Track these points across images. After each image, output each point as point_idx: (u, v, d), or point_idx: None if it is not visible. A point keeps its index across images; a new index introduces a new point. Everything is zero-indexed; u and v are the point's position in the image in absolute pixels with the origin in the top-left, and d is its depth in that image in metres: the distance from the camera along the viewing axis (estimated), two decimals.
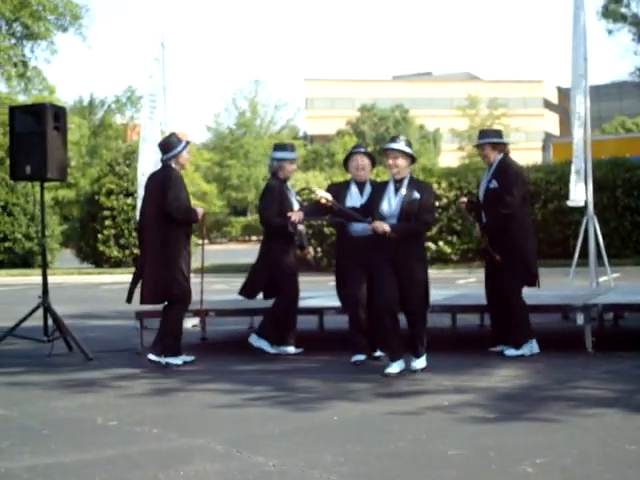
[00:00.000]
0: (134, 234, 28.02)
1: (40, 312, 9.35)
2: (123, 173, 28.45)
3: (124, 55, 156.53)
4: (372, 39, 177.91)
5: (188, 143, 8.66)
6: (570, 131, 11.52)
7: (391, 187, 7.60)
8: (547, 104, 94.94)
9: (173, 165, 8.48)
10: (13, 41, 29.74)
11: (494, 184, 8.26)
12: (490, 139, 8.49)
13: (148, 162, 11.78)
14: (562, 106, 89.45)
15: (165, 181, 8.38)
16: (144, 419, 6.01)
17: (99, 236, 28.09)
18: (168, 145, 8.53)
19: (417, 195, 7.49)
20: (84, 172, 56.33)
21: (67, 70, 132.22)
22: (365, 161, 8.33)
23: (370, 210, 7.66)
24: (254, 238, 57.16)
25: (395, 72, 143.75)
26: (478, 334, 9.91)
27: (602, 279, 11.41)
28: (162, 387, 7.27)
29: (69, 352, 9.18)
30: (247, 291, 8.94)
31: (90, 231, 28.54)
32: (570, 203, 11.48)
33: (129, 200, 27.80)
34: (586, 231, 11.25)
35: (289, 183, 9.06)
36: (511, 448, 4.94)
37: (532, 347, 8.18)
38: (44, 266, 9.69)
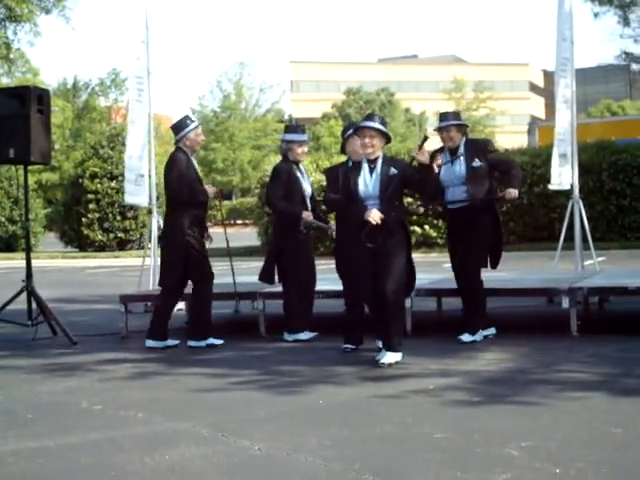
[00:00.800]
0: (118, 218, 27.98)
1: (24, 296, 9.30)
2: (107, 156, 28.33)
3: (108, 37, 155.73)
4: (358, 22, 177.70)
5: (198, 125, 8.61)
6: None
7: (365, 168, 7.26)
8: (533, 87, 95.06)
9: (183, 146, 8.47)
10: None
11: (477, 163, 8.13)
12: (456, 121, 8.31)
13: (136, 145, 11.73)
14: (548, 89, 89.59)
15: (167, 163, 8.48)
16: (129, 403, 5.99)
17: (83, 220, 28.00)
18: (177, 126, 8.58)
19: (394, 170, 7.13)
20: (68, 155, 56.00)
21: (51, 52, 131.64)
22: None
23: (349, 194, 7.25)
24: (239, 222, 57.05)
25: (381, 55, 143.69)
26: (464, 318, 9.91)
27: (587, 263, 11.43)
28: (147, 371, 7.25)
29: (53, 336, 9.15)
30: (264, 276, 8.78)
31: (74, 215, 28.44)
32: (552, 187, 11.48)
33: (113, 183, 27.70)
34: (571, 215, 11.25)
35: (302, 166, 8.90)
36: (496, 431, 4.95)
37: (489, 332, 8.25)
38: (28, 250, 9.63)
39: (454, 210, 8.26)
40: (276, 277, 8.77)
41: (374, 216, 6.98)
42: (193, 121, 8.65)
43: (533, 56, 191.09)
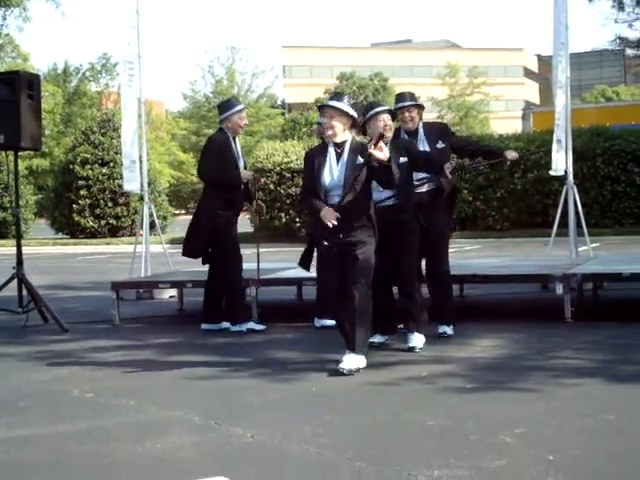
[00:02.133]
0: (110, 204, 27.89)
1: (14, 283, 9.25)
2: (98, 142, 28.23)
3: (99, 22, 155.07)
4: (351, 6, 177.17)
5: (243, 108, 8.59)
6: (550, 100, 11.48)
7: (331, 153, 6.52)
8: (527, 72, 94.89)
9: (225, 128, 8.51)
10: None
11: (441, 144, 7.79)
12: (416, 102, 7.95)
13: (129, 130, 11.66)
14: (542, 75, 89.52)
15: (204, 144, 8.64)
16: (121, 391, 5.96)
17: (74, 206, 27.91)
18: (222, 106, 8.66)
19: (361, 160, 6.38)
20: (59, 141, 55.79)
21: (41, 37, 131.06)
22: (391, 120, 7.31)
23: (317, 183, 6.51)
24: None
25: (374, 40, 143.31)
26: (458, 304, 9.89)
27: (582, 249, 11.41)
28: (138, 359, 7.21)
29: (44, 323, 9.10)
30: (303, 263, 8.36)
31: (65, 201, 28.34)
32: (552, 172, 11.45)
33: (104, 169, 27.61)
34: (566, 201, 11.22)
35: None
36: (490, 418, 4.93)
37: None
38: (18, 236, 9.58)
39: (418, 194, 7.54)
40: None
41: (328, 218, 6.27)
42: (239, 103, 8.67)
43: (527, 41, 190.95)
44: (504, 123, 62.57)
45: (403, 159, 7.03)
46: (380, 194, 6.88)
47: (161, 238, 13.61)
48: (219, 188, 8.40)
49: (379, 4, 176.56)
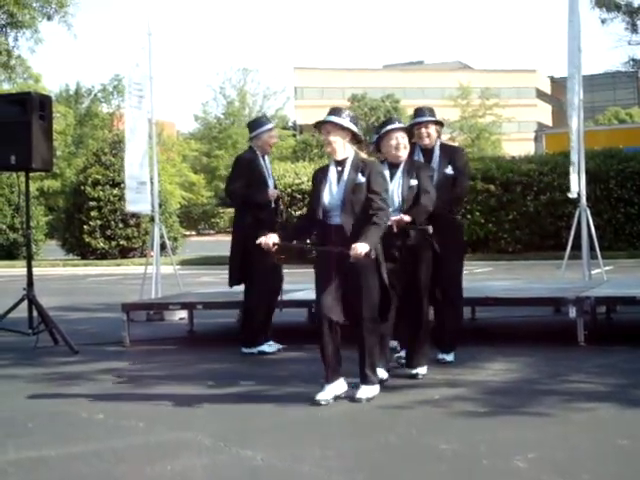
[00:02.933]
0: (121, 225, 27.94)
1: (25, 304, 9.25)
2: (109, 163, 28.30)
3: (111, 43, 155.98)
4: (363, 27, 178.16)
5: (272, 127, 8.56)
6: (563, 122, 11.48)
7: (332, 172, 6.24)
8: (540, 94, 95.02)
9: (254, 146, 8.52)
10: None
11: (450, 170, 7.30)
12: (435, 118, 7.44)
13: (137, 152, 11.68)
14: (555, 97, 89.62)
15: (232, 164, 8.68)
16: (130, 413, 5.93)
17: (85, 227, 27.94)
18: (252, 124, 8.65)
19: (361, 179, 6.10)
20: (70, 162, 56.09)
21: (53, 58, 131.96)
22: (406, 139, 6.91)
23: (315, 202, 6.26)
24: None
25: (386, 61, 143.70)
26: (470, 327, 9.85)
27: (595, 272, 11.36)
28: (149, 380, 7.18)
29: (54, 345, 9.08)
30: None
31: (76, 222, 28.37)
32: (570, 195, 11.41)
33: (115, 190, 27.65)
34: (579, 223, 11.19)
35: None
36: (502, 442, 4.89)
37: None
38: (29, 257, 9.59)
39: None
40: None
41: (266, 242, 6.07)
42: (269, 122, 8.67)
43: (540, 63, 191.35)
44: (516, 145, 62.58)
45: (414, 182, 6.76)
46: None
47: (172, 259, 13.62)
48: (248, 207, 8.36)
49: (391, 26, 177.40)
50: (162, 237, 12.09)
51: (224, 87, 74.74)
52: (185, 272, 15.95)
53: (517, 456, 4.55)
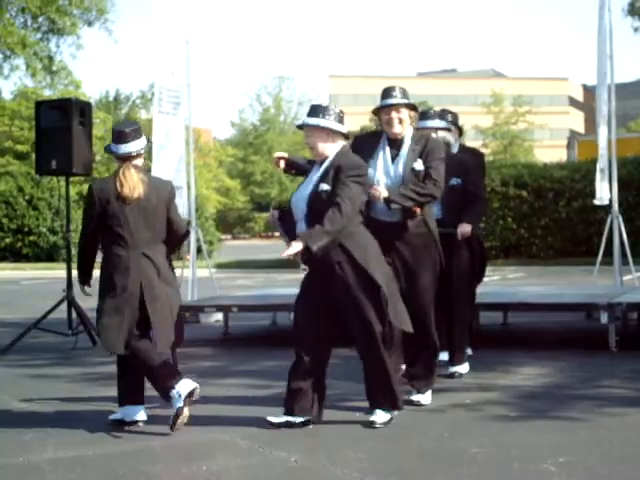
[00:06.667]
0: None
1: (64, 306, 9.40)
2: (147, 168, 28.45)
3: (150, 50, 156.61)
4: (397, 35, 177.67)
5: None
6: (595, 129, 11.45)
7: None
8: (572, 102, 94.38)
9: None
10: (39, 36, 29.88)
11: (420, 166, 5.98)
12: (408, 100, 6.13)
13: (173, 157, 11.73)
14: (587, 104, 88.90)
15: None
16: (167, 413, 6.00)
17: None
18: None
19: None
20: (109, 167, 56.31)
21: (93, 65, 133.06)
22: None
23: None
24: (277, 234, 57.16)
25: (420, 69, 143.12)
26: (502, 332, 9.88)
27: (626, 278, 11.33)
28: None
29: (93, 346, 9.21)
30: None
31: None
32: (596, 202, 11.41)
33: None
34: (611, 230, 11.17)
35: None
36: (534, 447, 4.91)
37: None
38: (68, 260, 9.74)
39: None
40: None
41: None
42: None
43: (573, 71, 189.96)
44: (548, 152, 62.11)
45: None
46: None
47: (208, 263, 13.72)
48: None
49: (425, 34, 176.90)
50: (198, 241, 12.20)
51: (260, 94, 75.12)
52: (221, 275, 16.00)
53: (548, 460, 4.58)
